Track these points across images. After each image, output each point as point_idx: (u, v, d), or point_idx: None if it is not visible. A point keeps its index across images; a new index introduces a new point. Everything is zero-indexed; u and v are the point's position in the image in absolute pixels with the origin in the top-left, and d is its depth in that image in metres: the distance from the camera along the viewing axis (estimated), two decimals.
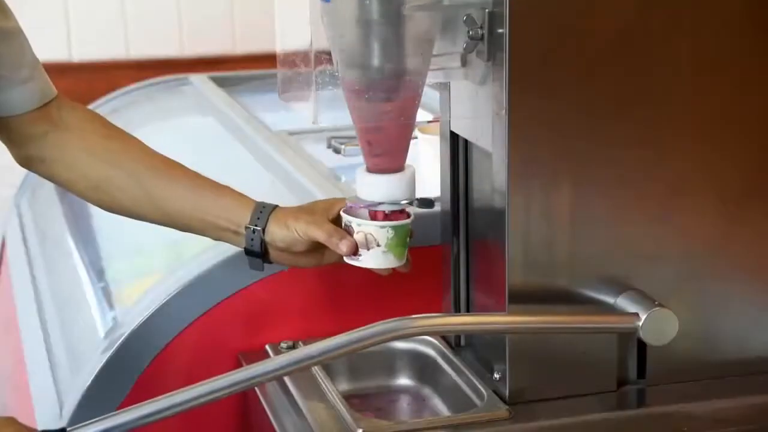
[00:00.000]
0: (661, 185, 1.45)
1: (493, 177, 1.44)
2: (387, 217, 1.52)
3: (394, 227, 1.52)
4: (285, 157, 2.15)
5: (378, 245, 1.53)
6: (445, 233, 1.61)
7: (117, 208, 1.62)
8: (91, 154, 1.61)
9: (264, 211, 1.57)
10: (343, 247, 1.52)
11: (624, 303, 1.44)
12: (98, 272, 2.14)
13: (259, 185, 2.12)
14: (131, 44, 3.48)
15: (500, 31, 1.37)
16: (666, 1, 1.41)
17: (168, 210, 1.59)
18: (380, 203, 1.48)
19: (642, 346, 1.49)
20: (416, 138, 2.13)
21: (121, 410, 1.35)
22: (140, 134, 2.81)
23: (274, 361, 1.38)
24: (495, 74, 1.40)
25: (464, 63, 1.43)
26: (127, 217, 1.63)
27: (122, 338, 1.66)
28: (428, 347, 1.61)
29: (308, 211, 1.57)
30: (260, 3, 3.45)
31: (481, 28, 1.39)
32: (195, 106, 2.88)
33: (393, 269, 1.56)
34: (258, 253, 1.57)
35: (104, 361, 1.66)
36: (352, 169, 2.14)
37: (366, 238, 1.53)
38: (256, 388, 1.60)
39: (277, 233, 1.55)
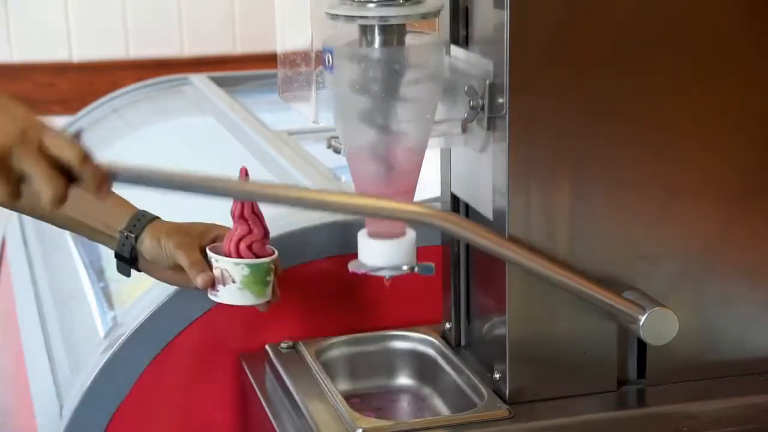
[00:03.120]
0: (661, 185, 1.45)
1: (493, 177, 1.44)
2: (243, 253, 1.53)
3: (249, 265, 1.53)
4: (285, 157, 2.15)
5: (233, 282, 1.54)
6: (445, 234, 1.61)
7: None
8: None
9: (142, 220, 1.57)
10: (199, 279, 1.53)
11: (624, 302, 1.44)
12: (98, 272, 2.14)
13: None
14: (131, 44, 3.48)
15: (500, 100, 1.40)
16: (666, 1, 1.41)
17: (45, 212, 1.57)
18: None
19: (642, 345, 1.49)
20: None
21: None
22: (140, 134, 2.84)
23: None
24: (496, 142, 1.42)
25: (465, 130, 1.46)
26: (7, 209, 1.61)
27: (122, 338, 1.66)
28: (428, 347, 1.61)
29: (184, 231, 1.57)
30: (260, 3, 3.45)
31: (482, 98, 1.42)
32: (195, 106, 2.88)
33: (270, 303, 1.57)
34: (127, 259, 1.58)
35: (104, 360, 1.66)
36: None
37: (222, 274, 1.54)
38: (256, 388, 1.60)
39: (147, 245, 1.56)
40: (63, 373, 1.85)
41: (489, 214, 1.46)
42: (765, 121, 1.48)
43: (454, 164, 1.58)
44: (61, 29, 3.41)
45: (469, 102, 1.42)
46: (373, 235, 1.44)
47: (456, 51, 1.51)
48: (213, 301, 1.57)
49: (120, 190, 1.62)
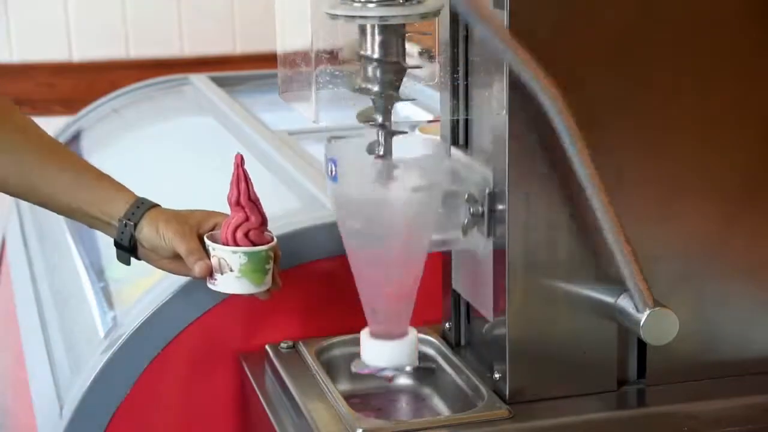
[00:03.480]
0: (661, 185, 1.45)
1: (492, 178, 1.44)
2: (240, 241, 1.52)
3: (246, 253, 1.53)
4: (285, 157, 2.15)
5: (231, 270, 1.53)
6: None
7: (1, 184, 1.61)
8: None
9: (141, 208, 1.57)
10: (197, 268, 1.53)
11: (625, 302, 1.44)
12: (98, 272, 2.14)
13: (260, 185, 2.12)
14: (131, 44, 3.48)
15: (501, 207, 1.42)
16: (666, 1, 1.41)
17: (45, 198, 1.59)
18: None
19: (642, 345, 1.49)
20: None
21: None
22: (140, 134, 2.84)
23: None
24: (496, 247, 1.44)
25: (465, 233, 1.48)
26: (5, 194, 1.62)
27: (122, 338, 1.66)
28: (428, 347, 1.61)
29: (182, 219, 1.57)
30: (260, 3, 3.45)
31: (482, 206, 1.44)
32: (195, 106, 2.88)
33: (272, 292, 1.57)
34: (127, 247, 1.57)
35: (104, 361, 1.66)
36: None
37: (220, 263, 1.54)
38: (256, 388, 1.60)
39: (146, 233, 1.56)
40: (63, 373, 1.85)
41: (489, 315, 1.48)
42: (765, 121, 1.48)
43: (454, 264, 1.60)
44: (61, 29, 3.41)
45: (469, 209, 1.45)
46: (375, 335, 1.46)
47: (456, 153, 1.55)
48: (212, 290, 1.57)
49: (119, 177, 1.62)
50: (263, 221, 1.56)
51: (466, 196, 1.46)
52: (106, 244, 2.28)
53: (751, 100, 1.46)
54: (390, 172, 1.39)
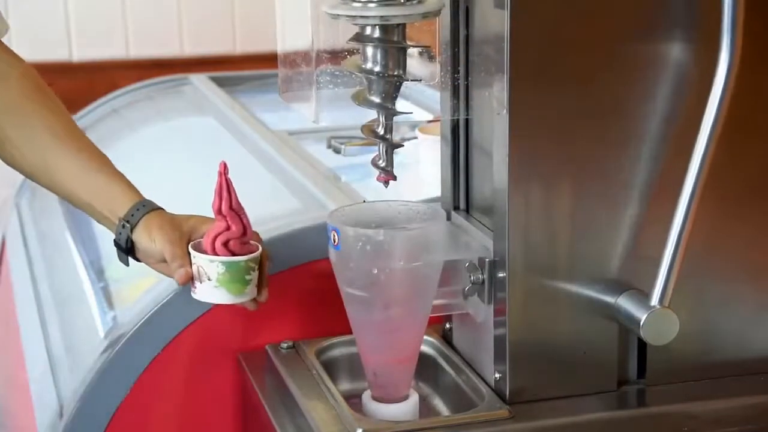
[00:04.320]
0: (662, 185, 1.45)
1: (493, 177, 1.44)
2: (219, 251, 1.52)
3: (224, 263, 1.52)
4: (285, 157, 2.16)
5: (209, 279, 1.53)
6: None
7: (15, 166, 1.63)
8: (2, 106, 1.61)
9: (141, 210, 1.57)
10: (177, 275, 1.53)
11: (624, 302, 1.44)
12: (98, 272, 2.14)
13: (260, 185, 2.12)
14: (131, 44, 3.47)
15: (501, 275, 1.43)
16: (666, 1, 1.41)
17: (58, 183, 1.60)
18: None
19: (642, 345, 1.49)
20: (416, 138, 2.13)
21: None
22: (140, 134, 2.84)
23: None
24: (496, 314, 1.46)
25: (466, 298, 1.50)
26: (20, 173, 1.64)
27: (122, 338, 1.66)
28: (428, 347, 1.61)
29: (176, 225, 1.57)
30: (261, 2, 3.45)
31: (482, 274, 1.46)
32: (195, 106, 2.88)
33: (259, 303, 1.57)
34: (123, 248, 1.58)
35: (104, 361, 1.66)
36: (352, 169, 2.14)
37: (198, 271, 1.53)
38: (256, 388, 1.60)
39: (141, 236, 1.56)
40: (63, 373, 1.85)
41: (490, 375, 1.49)
42: (765, 120, 1.48)
43: (455, 324, 1.61)
44: (61, 29, 3.40)
45: (470, 276, 1.46)
46: (377, 398, 1.47)
47: (456, 219, 1.57)
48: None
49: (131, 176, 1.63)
50: (245, 231, 1.54)
51: (467, 265, 1.48)
52: (106, 244, 2.28)
53: (752, 100, 1.46)
54: (391, 243, 1.42)
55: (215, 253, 1.52)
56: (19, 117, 1.61)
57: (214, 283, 1.53)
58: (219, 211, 1.53)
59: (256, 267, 1.55)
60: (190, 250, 1.54)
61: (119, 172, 1.62)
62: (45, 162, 1.59)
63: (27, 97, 1.64)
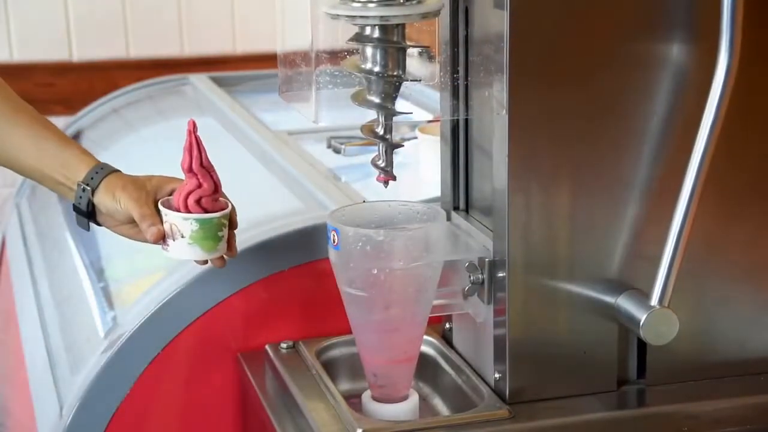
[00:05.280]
0: (661, 185, 1.45)
1: (493, 177, 1.44)
2: (191, 208, 1.51)
3: (198, 220, 1.51)
4: (285, 157, 2.15)
5: (182, 236, 1.52)
6: None
7: None
8: None
9: (100, 173, 1.56)
10: (149, 233, 1.53)
11: (624, 302, 1.44)
12: (98, 272, 2.14)
13: (259, 185, 2.12)
14: (131, 44, 3.47)
15: (501, 275, 1.43)
16: (666, 1, 1.41)
17: (8, 155, 1.59)
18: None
19: (642, 345, 1.49)
20: (416, 138, 2.13)
21: None
22: (140, 134, 2.84)
23: None
24: (496, 314, 1.46)
25: (466, 298, 1.50)
26: None
27: (122, 338, 1.66)
28: (428, 347, 1.61)
29: (140, 185, 1.56)
30: (260, 2, 3.44)
31: (482, 273, 1.46)
32: (195, 106, 2.88)
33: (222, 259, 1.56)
34: (84, 212, 1.57)
35: (104, 361, 1.66)
36: (352, 169, 2.14)
37: (171, 229, 1.52)
38: (256, 388, 1.60)
39: (103, 198, 1.55)
40: (63, 373, 1.85)
41: (491, 377, 1.49)
42: (765, 120, 1.48)
43: (455, 328, 1.62)
44: (61, 29, 3.40)
45: (470, 276, 1.46)
46: (377, 399, 1.47)
47: (456, 219, 1.57)
48: (165, 256, 1.55)
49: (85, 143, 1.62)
50: (216, 188, 1.54)
51: (467, 265, 1.48)
52: (106, 243, 2.29)
53: (753, 99, 1.46)
54: (391, 243, 1.42)
55: (188, 211, 1.52)
56: None
57: (187, 240, 1.52)
58: (189, 169, 1.52)
59: (227, 224, 1.55)
60: (161, 208, 1.53)
61: (72, 140, 1.61)
62: None
63: None
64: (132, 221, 1.55)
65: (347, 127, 2.18)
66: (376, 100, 1.42)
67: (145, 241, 1.56)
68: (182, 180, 1.55)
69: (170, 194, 1.56)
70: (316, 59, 1.43)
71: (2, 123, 1.58)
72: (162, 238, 1.53)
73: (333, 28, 1.42)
